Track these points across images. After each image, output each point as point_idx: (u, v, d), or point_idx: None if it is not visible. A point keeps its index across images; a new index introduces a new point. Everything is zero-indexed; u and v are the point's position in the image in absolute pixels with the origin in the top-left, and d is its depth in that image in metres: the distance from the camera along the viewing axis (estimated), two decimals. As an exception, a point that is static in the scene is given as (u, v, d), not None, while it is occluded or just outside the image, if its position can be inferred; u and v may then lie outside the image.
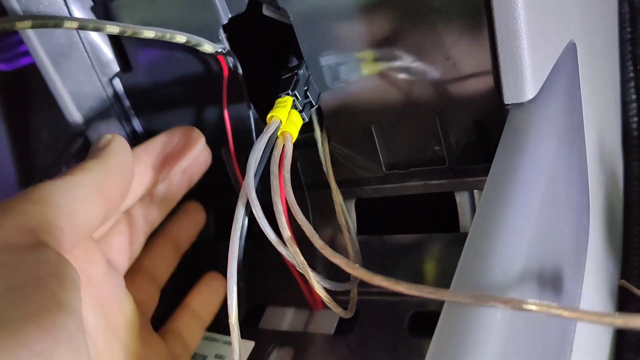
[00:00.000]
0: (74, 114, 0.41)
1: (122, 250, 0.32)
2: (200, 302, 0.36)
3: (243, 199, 0.26)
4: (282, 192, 0.26)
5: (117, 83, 0.41)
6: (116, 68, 0.41)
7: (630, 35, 0.42)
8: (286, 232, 0.25)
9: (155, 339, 0.32)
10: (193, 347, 0.35)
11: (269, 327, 0.36)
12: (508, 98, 0.24)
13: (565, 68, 0.26)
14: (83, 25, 0.26)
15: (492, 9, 0.23)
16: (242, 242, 0.26)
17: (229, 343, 0.35)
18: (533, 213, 0.21)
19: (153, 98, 0.40)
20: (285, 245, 0.26)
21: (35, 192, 0.22)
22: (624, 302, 0.36)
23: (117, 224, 0.33)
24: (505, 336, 0.18)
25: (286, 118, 0.28)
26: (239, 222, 0.25)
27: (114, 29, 0.27)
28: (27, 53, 0.54)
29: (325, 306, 0.30)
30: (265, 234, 0.25)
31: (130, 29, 0.28)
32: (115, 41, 0.40)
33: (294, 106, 0.29)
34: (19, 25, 0.22)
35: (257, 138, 0.36)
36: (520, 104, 0.24)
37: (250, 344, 0.35)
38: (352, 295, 0.31)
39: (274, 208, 0.25)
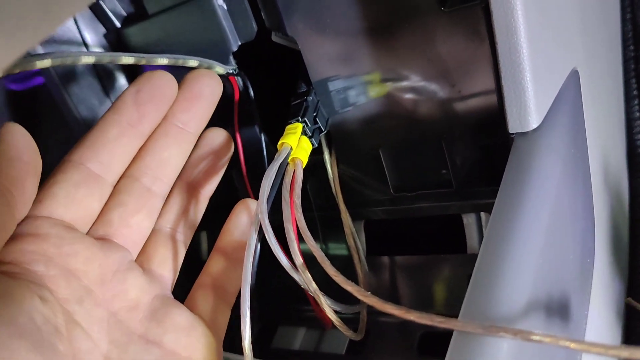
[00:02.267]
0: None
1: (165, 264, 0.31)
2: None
3: (256, 224, 0.26)
4: (294, 218, 0.27)
5: (130, 107, 0.42)
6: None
7: (634, 53, 0.43)
8: (298, 259, 0.26)
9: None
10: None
11: (281, 346, 0.36)
12: (512, 128, 0.25)
13: (568, 96, 0.27)
14: (99, 59, 0.27)
15: (496, 42, 0.24)
16: (255, 268, 0.26)
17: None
18: (539, 241, 0.22)
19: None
20: (297, 270, 0.26)
21: None
22: (630, 319, 0.36)
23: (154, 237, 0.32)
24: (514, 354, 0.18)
25: (296, 144, 0.29)
26: (252, 248, 0.26)
27: (129, 59, 0.28)
28: (38, 73, 0.55)
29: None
30: (278, 259, 0.26)
31: (144, 58, 0.29)
32: (128, 65, 0.41)
33: (304, 132, 0.30)
34: (39, 64, 0.23)
35: (267, 161, 0.37)
36: (525, 133, 0.25)
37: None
38: (361, 317, 0.31)
39: (286, 235, 0.26)
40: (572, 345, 0.17)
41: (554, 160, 0.24)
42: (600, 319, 0.33)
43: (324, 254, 0.25)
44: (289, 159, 0.28)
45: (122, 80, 0.42)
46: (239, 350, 0.33)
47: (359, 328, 0.31)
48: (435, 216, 0.33)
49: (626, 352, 0.17)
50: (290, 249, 0.26)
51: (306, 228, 0.25)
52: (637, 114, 0.42)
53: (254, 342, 0.37)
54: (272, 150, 0.38)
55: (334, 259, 0.28)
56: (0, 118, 0.60)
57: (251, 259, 0.26)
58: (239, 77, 0.35)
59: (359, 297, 0.22)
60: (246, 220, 0.31)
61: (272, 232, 0.25)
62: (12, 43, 0.14)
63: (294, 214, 0.26)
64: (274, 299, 0.39)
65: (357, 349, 0.33)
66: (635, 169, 0.41)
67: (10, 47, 0.14)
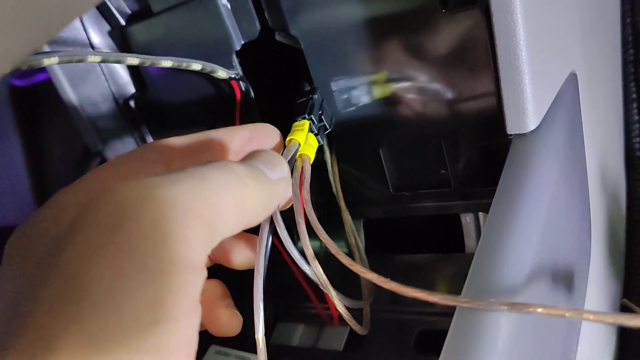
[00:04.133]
0: (92, 134, 0.43)
1: None
2: None
3: (267, 218, 0.27)
4: (304, 212, 0.27)
5: (133, 104, 0.42)
6: (132, 89, 0.42)
7: (634, 57, 0.43)
8: (309, 252, 0.26)
9: None
10: None
11: (279, 343, 0.37)
12: (511, 129, 0.26)
13: (567, 98, 0.27)
14: (105, 59, 0.27)
15: (495, 45, 0.24)
16: (267, 261, 0.27)
17: (241, 358, 0.36)
18: (535, 240, 0.22)
19: (168, 118, 0.41)
20: (309, 264, 0.27)
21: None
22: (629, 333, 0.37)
23: None
24: (512, 337, 0.19)
25: (304, 141, 0.29)
26: (264, 241, 0.26)
27: (134, 60, 0.29)
28: (41, 70, 0.55)
29: (341, 323, 0.31)
30: (290, 253, 0.26)
31: (149, 60, 0.30)
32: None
33: (311, 129, 0.31)
34: (46, 62, 0.23)
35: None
36: (523, 135, 0.25)
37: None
38: (365, 313, 0.32)
39: (298, 228, 0.26)
40: (567, 314, 0.18)
41: (551, 162, 0.25)
42: (595, 326, 0.34)
43: (337, 246, 0.26)
44: (297, 155, 0.29)
45: (126, 78, 0.42)
46: (238, 346, 0.33)
47: (364, 323, 0.31)
48: (434, 215, 0.34)
49: (622, 318, 0.17)
50: (302, 242, 0.26)
51: (317, 221, 0.26)
52: (636, 117, 0.42)
53: (252, 338, 0.38)
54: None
55: (334, 257, 0.28)
56: (3, 113, 0.60)
57: (263, 251, 0.26)
58: (241, 82, 0.36)
59: (379, 283, 0.23)
60: None
61: (283, 225, 0.25)
62: (22, 41, 0.14)
63: (304, 208, 0.27)
64: (272, 296, 0.40)
65: (355, 346, 0.34)
66: (633, 171, 0.42)
67: (21, 44, 0.14)
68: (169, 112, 0.41)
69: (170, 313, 0.17)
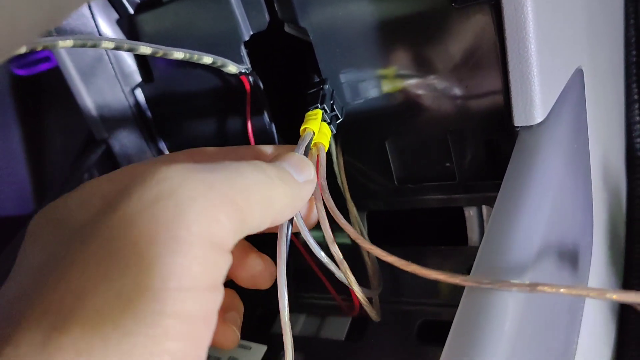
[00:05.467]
0: (97, 122, 0.43)
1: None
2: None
3: None
4: (323, 198, 0.28)
5: (139, 93, 0.43)
6: (138, 78, 0.43)
7: (636, 58, 0.43)
8: (330, 235, 0.27)
9: None
10: None
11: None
12: (518, 121, 0.26)
13: (573, 93, 0.28)
14: (119, 46, 0.27)
15: (505, 37, 0.25)
16: (288, 248, 0.27)
17: (243, 347, 0.36)
18: (540, 229, 0.23)
19: (173, 108, 0.42)
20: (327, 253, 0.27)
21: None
22: (624, 316, 0.37)
23: None
24: (519, 316, 0.19)
25: (318, 129, 0.30)
26: (285, 229, 0.26)
27: (146, 49, 0.29)
28: (44, 59, 0.55)
29: (358, 310, 0.32)
30: (308, 243, 0.27)
31: (162, 50, 0.30)
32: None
33: (323, 118, 0.31)
34: (61, 44, 0.24)
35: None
36: (530, 127, 0.26)
37: (263, 348, 0.36)
38: (375, 301, 0.32)
39: (318, 213, 0.26)
40: (574, 291, 0.18)
41: (556, 154, 0.25)
42: (595, 314, 0.34)
43: (355, 231, 0.26)
44: (312, 144, 0.29)
45: (133, 67, 0.42)
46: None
47: (375, 311, 0.32)
48: (438, 208, 0.34)
49: (617, 295, 0.17)
50: (322, 227, 0.27)
51: (335, 207, 0.26)
52: (637, 118, 0.43)
53: (254, 327, 0.38)
54: (280, 140, 0.39)
55: (339, 247, 0.28)
56: (5, 102, 0.61)
57: (284, 239, 0.26)
58: (250, 76, 0.36)
59: (402, 266, 0.23)
60: None
61: (301, 215, 0.26)
62: (39, 17, 0.15)
63: (322, 194, 0.27)
64: (274, 287, 0.40)
65: (357, 335, 0.34)
66: (633, 170, 0.42)
67: (38, 21, 0.15)
68: (175, 102, 0.41)
69: (195, 283, 0.18)
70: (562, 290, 0.18)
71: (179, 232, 0.18)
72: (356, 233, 0.25)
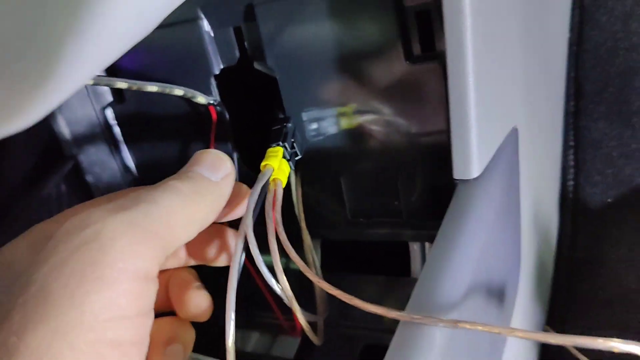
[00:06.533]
0: (67, 138, 0.44)
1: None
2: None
3: (242, 235, 0.29)
4: (276, 232, 0.30)
5: (110, 112, 0.44)
6: (110, 98, 0.44)
7: (574, 108, 0.48)
8: (279, 268, 0.29)
9: None
10: None
11: (235, 348, 0.39)
12: (457, 174, 0.29)
13: (507, 151, 0.31)
14: (98, 82, 0.29)
15: (449, 102, 0.28)
16: (239, 274, 0.29)
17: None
18: (469, 270, 0.26)
19: (142, 130, 0.44)
20: (277, 280, 0.30)
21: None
22: (546, 346, 0.41)
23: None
24: (444, 349, 0.22)
25: (277, 166, 0.32)
26: (238, 256, 0.28)
27: (123, 84, 0.31)
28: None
29: (301, 333, 0.34)
30: (261, 270, 0.29)
31: (136, 85, 0.32)
32: (112, 74, 0.44)
33: (284, 156, 0.34)
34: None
35: (238, 176, 0.40)
36: (467, 180, 0.29)
37: (213, 362, 0.39)
38: (319, 326, 0.35)
39: (270, 247, 0.29)
40: (500, 331, 0.21)
41: (489, 206, 0.28)
42: (520, 344, 0.38)
43: (306, 265, 0.29)
44: (271, 179, 0.32)
45: (104, 87, 0.44)
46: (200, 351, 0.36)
47: (318, 335, 0.34)
48: (386, 241, 0.37)
49: (549, 337, 0.21)
50: (273, 260, 0.29)
51: (287, 241, 0.29)
52: (571, 163, 0.47)
53: (209, 343, 0.40)
54: (243, 167, 0.41)
55: (291, 273, 0.31)
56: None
57: (237, 266, 0.28)
58: (217, 106, 0.38)
59: (344, 299, 0.26)
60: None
61: (255, 242, 0.28)
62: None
63: (276, 229, 0.30)
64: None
65: (305, 355, 0.37)
66: (565, 211, 0.46)
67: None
68: (144, 123, 0.43)
69: (123, 313, 0.21)
70: (479, 327, 0.21)
71: (104, 272, 0.21)
72: (305, 267, 0.28)
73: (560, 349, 0.39)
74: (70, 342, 0.20)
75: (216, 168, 0.28)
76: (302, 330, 0.38)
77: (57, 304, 0.20)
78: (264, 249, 0.29)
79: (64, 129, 0.44)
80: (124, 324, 0.21)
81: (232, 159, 0.40)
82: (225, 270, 0.31)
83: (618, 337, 0.20)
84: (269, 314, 0.41)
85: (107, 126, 0.45)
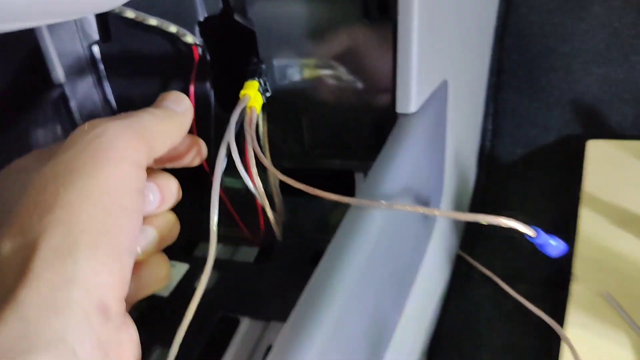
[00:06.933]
0: (57, 67, 0.49)
1: None
2: None
3: (225, 144, 0.36)
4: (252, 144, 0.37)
5: (96, 49, 0.50)
6: (96, 37, 0.50)
7: (495, 82, 0.57)
8: (255, 171, 0.36)
9: None
10: None
11: (200, 255, 0.46)
12: (399, 109, 0.37)
13: (439, 97, 0.40)
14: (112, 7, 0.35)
15: (397, 50, 0.36)
16: (221, 176, 0.36)
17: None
18: (402, 181, 0.34)
19: (126, 68, 0.49)
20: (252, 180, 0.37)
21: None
22: (459, 266, 0.50)
23: None
24: (382, 227, 0.30)
25: (253, 96, 0.39)
26: (221, 159, 0.35)
27: (131, 14, 0.37)
28: None
29: (265, 237, 0.41)
30: (239, 171, 0.36)
31: (141, 16, 0.38)
32: (100, 14, 0.49)
33: (259, 89, 0.40)
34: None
35: (214, 118, 0.47)
36: (406, 114, 0.37)
37: (185, 266, 0.46)
38: (279, 224, 0.42)
39: (247, 154, 0.36)
40: (418, 209, 0.29)
41: (421, 136, 0.37)
42: (436, 262, 0.47)
43: (274, 168, 0.36)
44: (247, 106, 0.39)
45: (93, 25, 0.49)
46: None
47: (278, 233, 0.42)
48: (336, 170, 0.45)
49: (465, 215, 0.29)
50: (250, 163, 0.36)
51: (260, 149, 0.36)
52: (490, 127, 0.57)
53: (178, 250, 0.47)
54: (216, 105, 0.48)
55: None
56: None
57: (220, 169, 0.35)
58: (200, 48, 0.45)
59: (307, 190, 0.33)
60: None
61: (236, 150, 0.35)
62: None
63: (252, 140, 0.37)
64: (201, 220, 0.49)
65: (262, 260, 0.44)
66: (482, 164, 0.56)
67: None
68: (128, 62, 0.49)
69: (128, 185, 0.27)
70: (408, 207, 0.30)
71: (113, 155, 0.27)
72: (275, 170, 0.35)
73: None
74: (94, 202, 0.26)
75: (179, 103, 0.35)
76: (262, 238, 0.45)
77: (81, 174, 0.26)
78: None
79: (54, 58, 0.49)
80: (128, 194, 0.27)
81: (209, 96, 0.47)
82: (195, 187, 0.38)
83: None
84: (232, 228, 0.48)
85: (93, 62, 0.50)
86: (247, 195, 0.46)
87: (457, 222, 0.50)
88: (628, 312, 0.39)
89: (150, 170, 0.33)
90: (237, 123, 0.38)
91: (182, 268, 0.45)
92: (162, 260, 0.33)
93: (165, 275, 0.33)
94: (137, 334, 0.27)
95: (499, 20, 0.58)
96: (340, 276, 0.28)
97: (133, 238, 0.28)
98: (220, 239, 0.49)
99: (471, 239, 0.51)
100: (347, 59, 0.41)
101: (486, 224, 0.30)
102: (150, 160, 0.30)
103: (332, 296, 0.27)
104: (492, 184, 0.54)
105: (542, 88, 0.56)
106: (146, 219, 0.34)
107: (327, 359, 0.27)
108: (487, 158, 0.56)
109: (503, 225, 0.30)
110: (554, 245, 0.33)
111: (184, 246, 0.48)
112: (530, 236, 0.32)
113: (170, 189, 0.35)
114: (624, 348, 0.38)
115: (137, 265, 0.31)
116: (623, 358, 0.37)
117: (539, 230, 0.32)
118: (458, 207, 0.49)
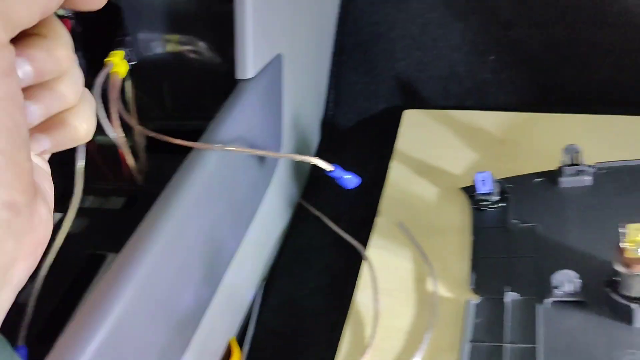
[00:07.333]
0: None
1: None
2: None
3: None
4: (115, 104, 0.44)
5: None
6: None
7: (336, 61, 0.68)
8: (118, 123, 0.44)
9: None
10: None
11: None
12: (237, 74, 0.46)
13: (274, 67, 0.49)
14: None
15: (235, 22, 0.45)
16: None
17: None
18: (238, 133, 0.43)
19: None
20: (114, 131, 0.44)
21: None
22: (299, 211, 0.60)
23: None
24: (217, 165, 0.39)
25: (117, 63, 0.46)
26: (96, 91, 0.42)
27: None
28: None
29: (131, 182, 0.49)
30: (102, 124, 0.43)
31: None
32: None
33: (124, 57, 0.48)
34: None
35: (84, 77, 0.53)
36: (243, 80, 0.46)
37: (58, 215, 0.52)
38: (140, 172, 0.50)
39: (111, 109, 0.43)
40: (245, 150, 0.38)
41: (256, 98, 0.46)
42: (275, 204, 0.56)
43: (136, 123, 0.43)
44: (112, 71, 0.46)
45: None
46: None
47: (140, 177, 0.49)
48: (194, 130, 0.53)
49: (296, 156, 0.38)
50: (113, 118, 0.43)
51: (123, 107, 0.43)
52: (332, 99, 0.67)
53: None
54: (88, 73, 0.54)
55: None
56: None
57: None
58: (72, 20, 0.51)
59: (171, 140, 0.41)
60: None
61: (103, 108, 0.43)
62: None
63: (117, 105, 0.44)
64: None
65: (130, 206, 0.52)
66: (324, 130, 0.67)
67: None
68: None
69: None
70: (237, 149, 0.39)
71: None
72: (138, 125, 0.43)
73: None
74: None
75: None
76: (128, 188, 0.53)
77: None
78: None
79: None
80: None
81: (81, 65, 0.53)
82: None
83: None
84: (102, 182, 0.55)
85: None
86: (117, 152, 0.53)
87: (298, 175, 0.60)
88: (414, 235, 0.51)
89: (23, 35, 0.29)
90: (102, 86, 0.45)
91: (55, 217, 0.52)
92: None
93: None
94: (47, 210, 0.24)
95: (340, 8, 0.69)
96: (176, 203, 0.37)
97: (20, 128, 0.24)
98: (90, 191, 0.55)
99: (311, 189, 0.61)
100: (203, 36, 0.49)
101: (299, 161, 0.40)
102: (13, 33, 0.20)
103: (166, 220, 0.36)
104: (333, 145, 0.65)
105: (373, 67, 0.68)
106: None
107: (166, 266, 0.36)
108: (329, 125, 0.66)
109: (310, 162, 0.40)
110: (349, 179, 0.43)
111: (59, 197, 0.54)
112: (328, 170, 0.42)
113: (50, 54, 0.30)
114: (409, 261, 0.49)
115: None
116: (407, 269, 0.49)
117: (337, 166, 0.42)
118: (300, 164, 0.59)
